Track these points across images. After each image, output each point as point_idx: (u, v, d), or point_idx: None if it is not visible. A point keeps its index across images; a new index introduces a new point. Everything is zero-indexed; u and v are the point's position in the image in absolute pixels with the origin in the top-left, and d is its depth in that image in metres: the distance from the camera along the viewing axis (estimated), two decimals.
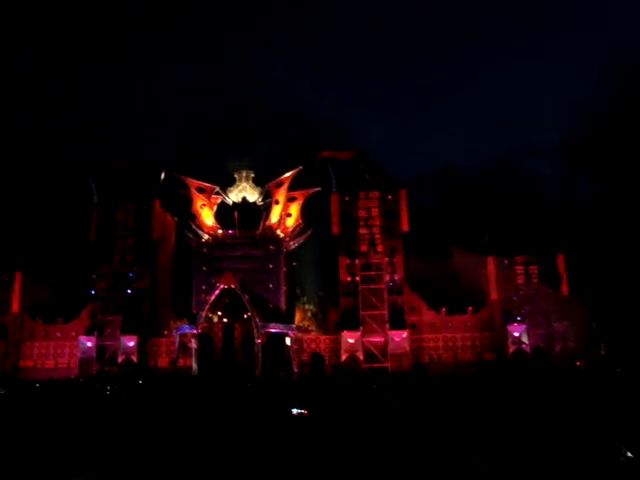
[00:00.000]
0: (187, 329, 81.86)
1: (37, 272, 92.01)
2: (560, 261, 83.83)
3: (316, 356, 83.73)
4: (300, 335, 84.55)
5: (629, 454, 16.24)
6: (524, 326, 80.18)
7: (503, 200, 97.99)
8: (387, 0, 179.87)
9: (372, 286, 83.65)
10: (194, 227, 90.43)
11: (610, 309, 79.75)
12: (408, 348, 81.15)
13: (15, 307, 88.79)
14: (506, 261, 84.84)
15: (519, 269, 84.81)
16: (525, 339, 79.91)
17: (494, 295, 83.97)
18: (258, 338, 77.81)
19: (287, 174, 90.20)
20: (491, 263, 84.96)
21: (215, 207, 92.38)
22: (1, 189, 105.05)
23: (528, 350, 79.44)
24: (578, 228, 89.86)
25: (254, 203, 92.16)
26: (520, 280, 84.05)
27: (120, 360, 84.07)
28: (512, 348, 79.84)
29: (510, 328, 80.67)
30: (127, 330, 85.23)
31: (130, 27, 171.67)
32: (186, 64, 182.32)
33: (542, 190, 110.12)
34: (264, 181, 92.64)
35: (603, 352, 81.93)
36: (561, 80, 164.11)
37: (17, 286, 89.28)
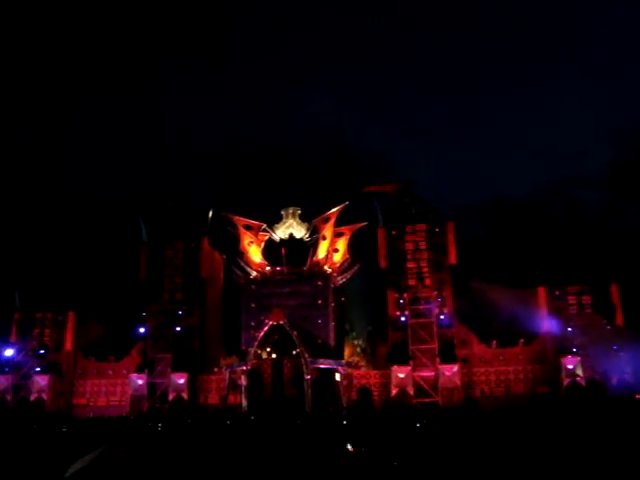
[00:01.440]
0: (237, 366, 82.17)
1: (89, 311, 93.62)
2: (614, 291, 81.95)
3: (364, 391, 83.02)
4: (350, 370, 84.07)
5: None
6: (578, 358, 78.32)
7: (553, 230, 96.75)
8: (425, 34, 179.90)
9: (421, 320, 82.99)
10: (242, 264, 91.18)
11: None
12: (459, 382, 79.91)
13: (69, 346, 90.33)
14: (557, 292, 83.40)
15: (571, 299, 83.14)
16: (580, 372, 77.98)
17: (546, 327, 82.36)
18: (307, 374, 77.55)
19: (333, 209, 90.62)
20: (542, 294, 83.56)
21: (262, 244, 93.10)
22: (53, 232, 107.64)
23: (583, 383, 77.50)
24: (631, 257, 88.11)
25: (301, 239, 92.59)
26: (572, 311, 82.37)
27: (171, 397, 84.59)
28: (566, 381, 77.92)
29: (564, 360, 78.91)
30: (177, 367, 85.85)
31: (170, 60, 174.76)
32: (229, 100, 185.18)
33: (593, 219, 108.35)
34: (311, 217, 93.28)
35: None
36: (609, 106, 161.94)
37: (70, 325, 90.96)
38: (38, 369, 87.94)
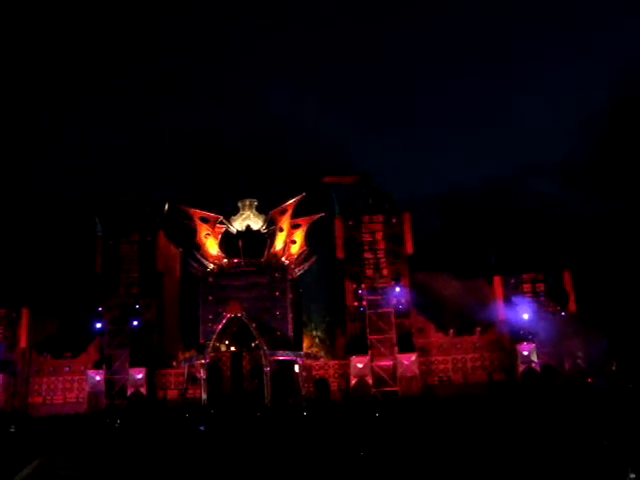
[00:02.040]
0: (195, 359, 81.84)
1: (44, 307, 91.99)
2: (567, 278, 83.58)
3: (320, 381, 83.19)
4: (309, 362, 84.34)
5: (633, 475, 16.08)
6: (533, 345, 79.72)
7: (507, 219, 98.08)
8: (384, 34, 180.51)
9: (379, 310, 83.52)
10: (199, 257, 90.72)
11: (619, 325, 79.31)
12: (417, 371, 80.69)
13: (23, 343, 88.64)
14: (513, 280, 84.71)
15: (526, 287, 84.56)
16: (534, 358, 79.43)
17: (502, 314, 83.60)
18: (267, 366, 77.54)
19: (290, 201, 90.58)
20: (498, 282, 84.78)
21: (219, 236, 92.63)
22: (6, 227, 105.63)
23: (538, 369, 78.97)
24: (584, 245, 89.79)
25: (258, 231, 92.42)
26: (527, 298, 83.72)
27: (129, 393, 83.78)
28: (522, 367, 79.35)
29: (519, 347, 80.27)
30: (135, 362, 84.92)
31: (127, 57, 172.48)
32: (183, 95, 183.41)
33: (547, 208, 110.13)
34: (267, 209, 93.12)
35: (614, 368, 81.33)
36: (564, 96, 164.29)
37: (24, 322, 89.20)
38: None
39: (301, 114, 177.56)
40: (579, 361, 78.09)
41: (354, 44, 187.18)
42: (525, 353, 79.90)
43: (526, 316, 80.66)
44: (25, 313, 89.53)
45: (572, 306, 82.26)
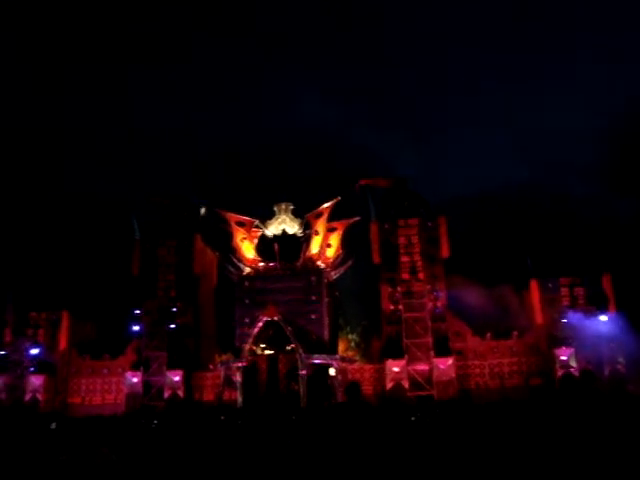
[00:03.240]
0: (231, 362, 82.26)
1: (84, 310, 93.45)
2: (606, 281, 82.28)
3: (352, 385, 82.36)
4: (344, 365, 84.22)
5: None
6: (572, 349, 78.62)
7: (544, 222, 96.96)
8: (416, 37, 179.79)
9: (415, 314, 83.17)
10: (235, 261, 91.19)
11: None
12: (453, 375, 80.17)
13: (63, 344, 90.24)
14: (550, 284, 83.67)
15: (564, 291, 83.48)
16: (573, 363, 78.32)
17: (539, 319, 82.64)
18: (302, 369, 77.76)
19: (326, 204, 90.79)
20: (534, 286, 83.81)
21: (255, 240, 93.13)
22: (46, 231, 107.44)
23: (576, 374, 77.81)
24: (623, 247, 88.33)
25: (294, 235, 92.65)
26: (565, 302, 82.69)
27: (166, 395, 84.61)
28: (560, 372, 78.32)
29: (557, 352, 79.23)
30: (172, 365, 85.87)
31: (153, 61, 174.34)
32: (219, 100, 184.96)
33: (583, 210, 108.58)
34: (303, 213, 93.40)
35: None
36: (595, 97, 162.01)
37: (65, 324, 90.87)
38: (32, 369, 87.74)
39: (337, 117, 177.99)
40: (619, 367, 76.74)
41: (382, 48, 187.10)
42: (563, 358, 78.83)
43: (565, 320, 79.76)
44: (65, 315, 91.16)
45: (612, 310, 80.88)
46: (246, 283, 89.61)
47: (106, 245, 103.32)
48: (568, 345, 78.90)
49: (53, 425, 46.80)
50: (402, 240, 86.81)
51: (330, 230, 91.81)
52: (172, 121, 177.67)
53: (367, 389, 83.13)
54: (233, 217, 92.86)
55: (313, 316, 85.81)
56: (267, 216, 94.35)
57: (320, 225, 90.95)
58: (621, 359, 76.78)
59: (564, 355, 78.76)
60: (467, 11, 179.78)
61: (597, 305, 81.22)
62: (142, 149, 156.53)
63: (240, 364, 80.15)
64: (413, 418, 47.69)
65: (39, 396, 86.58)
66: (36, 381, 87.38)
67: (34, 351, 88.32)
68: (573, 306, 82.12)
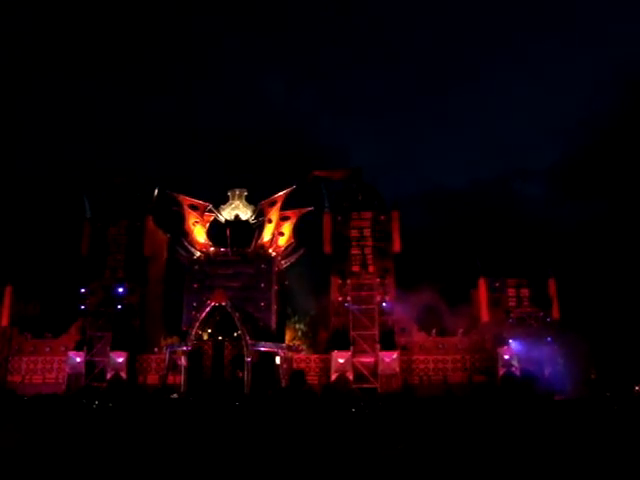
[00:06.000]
0: (177, 346, 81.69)
1: (28, 287, 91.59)
2: (551, 285, 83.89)
3: (297, 374, 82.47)
4: (290, 354, 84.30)
5: None
6: (514, 349, 79.97)
7: (495, 222, 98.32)
8: (378, 30, 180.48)
9: (363, 306, 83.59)
10: (186, 244, 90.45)
11: (602, 332, 79.71)
12: (398, 369, 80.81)
13: (4, 321, 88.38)
14: (497, 284, 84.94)
15: (510, 292, 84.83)
16: (515, 362, 79.71)
17: (485, 317, 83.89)
18: (248, 356, 77.51)
19: (280, 193, 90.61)
20: (482, 285, 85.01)
21: (207, 225, 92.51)
22: None
23: (518, 373, 79.25)
24: (570, 251, 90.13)
25: (246, 221, 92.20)
26: (511, 303, 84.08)
27: (109, 376, 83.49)
28: (502, 371, 79.71)
29: (501, 351, 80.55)
30: (117, 346, 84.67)
31: (126, 44, 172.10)
32: (181, 81, 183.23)
33: (534, 212, 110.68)
34: (257, 200, 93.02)
35: (594, 376, 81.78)
36: (551, 102, 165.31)
37: (7, 300, 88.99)
38: None
39: (296, 106, 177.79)
40: (559, 367, 78.33)
41: (355, 42, 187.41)
42: (506, 357, 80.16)
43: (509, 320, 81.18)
44: (8, 291, 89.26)
45: (555, 312, 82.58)
46: (196, 267, 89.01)
47: (56, 224, 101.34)
48: (511, 345, 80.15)
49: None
50: (354, 233, 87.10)
51: (283, 219, 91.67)
52: (130, 101, 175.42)
53: (312, 379, 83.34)
54: (186, 200, 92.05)
55: (261, 303, 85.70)
56: (221, 201, 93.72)
57: (273, 213, 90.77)
58: (561, 360, 78.36)
59: (507, 354, 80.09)
60: (440, 12, 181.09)
61: (541, 307, 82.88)
62: (97, 129, 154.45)
63: (186, 348, 79.54)
64: (354, 409, 48.07)
65: None
66: None
67: None
68: (518, 306, 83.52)
